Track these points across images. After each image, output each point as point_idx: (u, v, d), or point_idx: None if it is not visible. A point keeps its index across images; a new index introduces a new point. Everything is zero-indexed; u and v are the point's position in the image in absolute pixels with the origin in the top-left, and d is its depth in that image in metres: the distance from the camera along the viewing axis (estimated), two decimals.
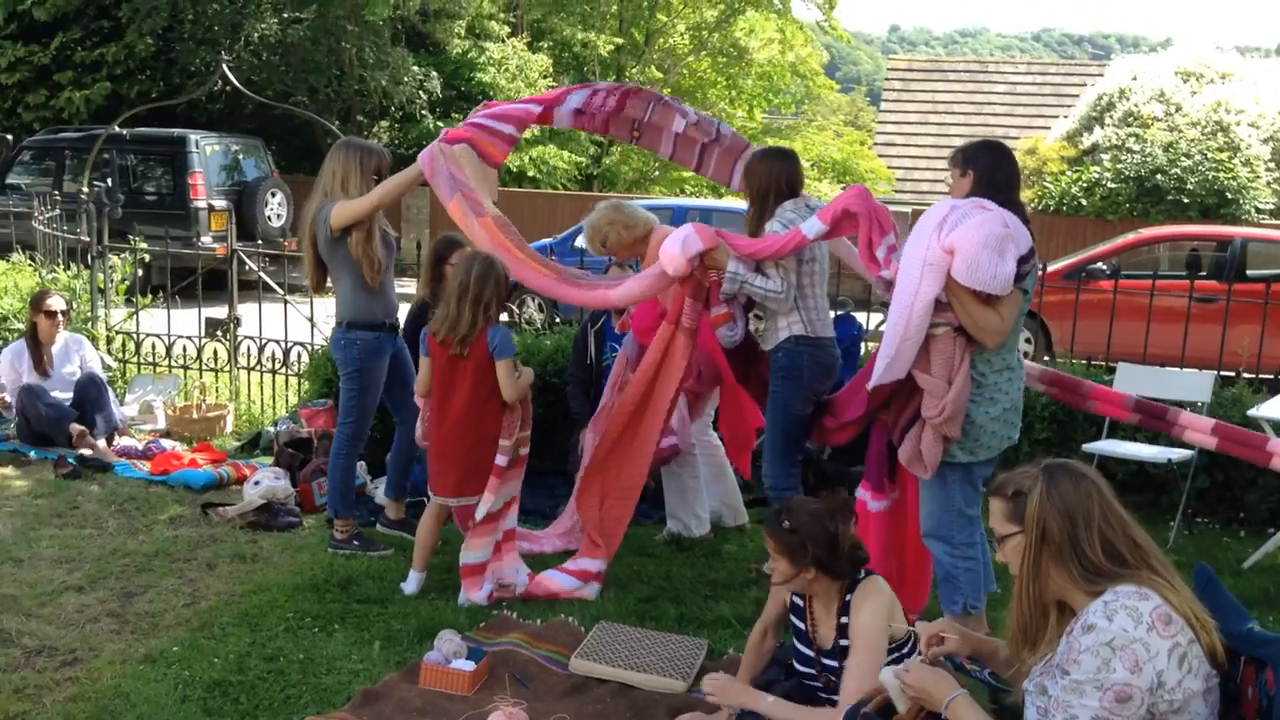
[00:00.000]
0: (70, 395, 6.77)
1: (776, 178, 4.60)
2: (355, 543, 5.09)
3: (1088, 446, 5.94)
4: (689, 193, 23.26)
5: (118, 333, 7.97)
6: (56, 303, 6.86)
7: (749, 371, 4.92)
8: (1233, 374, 6.71)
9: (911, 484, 4.31)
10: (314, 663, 3.88)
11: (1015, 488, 2.56)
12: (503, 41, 21.37)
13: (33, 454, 6.54)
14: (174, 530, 5.31)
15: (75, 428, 6.51)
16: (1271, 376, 7.16)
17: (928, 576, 4.41)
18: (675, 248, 4.39)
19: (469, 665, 3.77)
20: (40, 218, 9.19)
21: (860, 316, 6.33)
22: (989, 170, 3.94)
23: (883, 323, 6.86)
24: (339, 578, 4.67)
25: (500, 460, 4.45)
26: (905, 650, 3.15)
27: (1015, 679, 2.56)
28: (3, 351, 6.92)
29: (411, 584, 4.61)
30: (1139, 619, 2.21)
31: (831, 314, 4.85)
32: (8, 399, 6.88)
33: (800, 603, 3.34)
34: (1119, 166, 16.02)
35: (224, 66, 7.43)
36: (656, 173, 24.42)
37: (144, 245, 9.03)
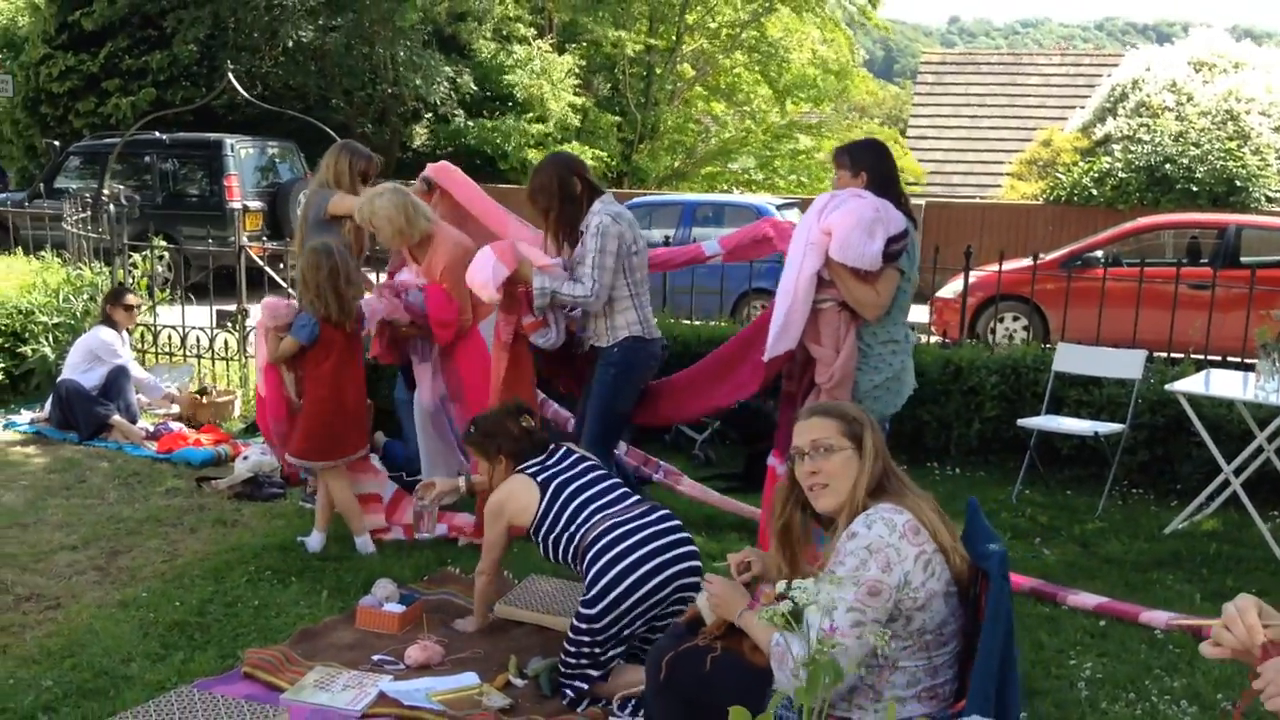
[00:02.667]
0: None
1: (559, 187, 4.80)
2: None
3: (1023, 421, 6.27)
4: (722, 189, 23.62)
5: (137, 325, 8.54)
6: (134, 298, 7.62)
7: (561, 369, 5.27)
8: (1181, 355, 7.00)
9: None
10: (266, 608, 4.36)
11: (850, 414, 2.87)
12: (528, 44, 21.87)
13: (59, 436, 7.09)
14: (167, 500, 5.82)
15: (117, 420, 7.07)
16: (1220, 358, 7.39)
17: None
18: (485, 277, 4.75)
19: (399, 608, 4.23)
20: (70, 218, 9.81)
21: None
22: (876, 167, 4.40)
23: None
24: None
25: None
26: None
27: None
28: (97, 339, 7.35)
29: (315, 542, 5.06)
30: (893, 528, 2.60)
31: None
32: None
33: None
34: (1129, 156, 16.15)
35: (230, 75, 7.95)
36: (688, 169, 24.79)
37: (161, 244, 9.59)
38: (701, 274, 8.10)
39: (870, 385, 4.34)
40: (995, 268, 7.99)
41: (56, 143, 16.83)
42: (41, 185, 15.74)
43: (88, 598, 4.45)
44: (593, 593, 3.58)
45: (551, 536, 3.84)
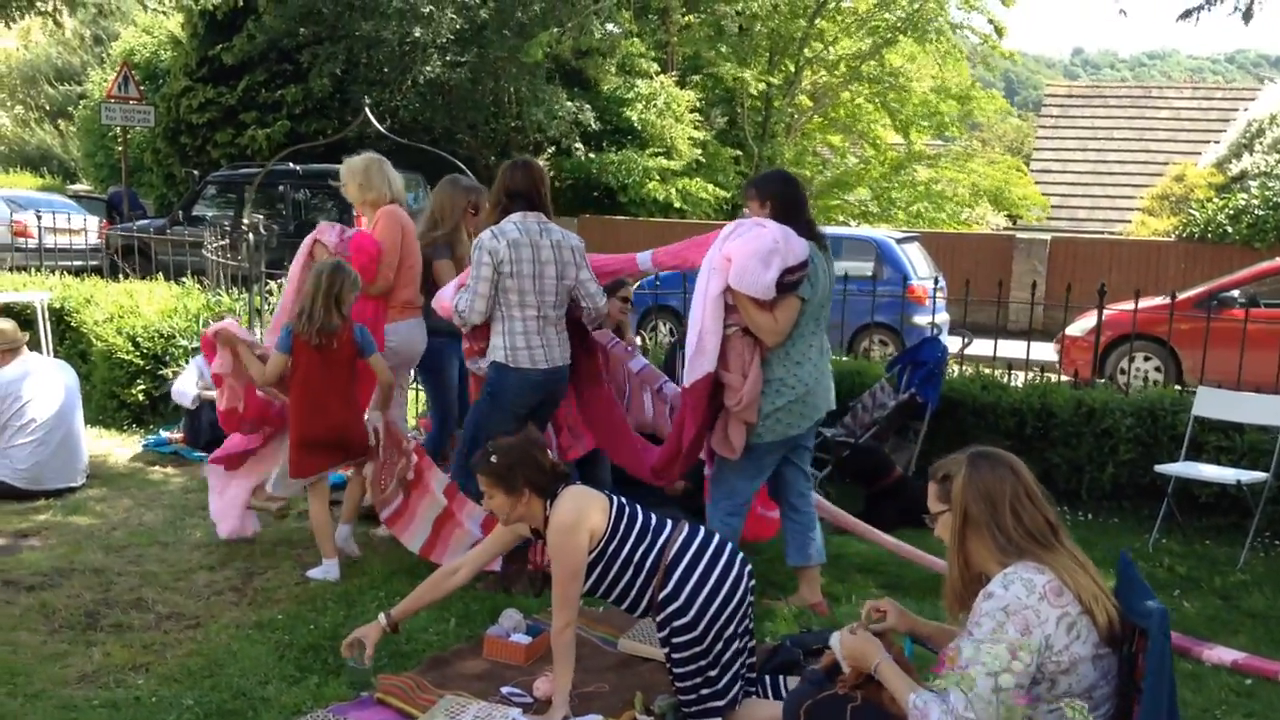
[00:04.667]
0: None
1: (494, 194, 4.99)
2: None
3: (1161, 467, 6.06)
4: (837, 222, 23.46)
5: None
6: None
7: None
8: None
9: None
10: (396, 634, 4.41)
11: (944, 472, 2.88)
12: (650, 78, 22.07)
13: (194, 456, 7.35)
14: (299, 523, 5.97)
15: None
16: None
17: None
18: (448, 302, 4.98)
19: (526, 639, 4.26)
20: (210, 246, 10.19)
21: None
22: (780, 195, 4.64)
23: (966, 345, 7.11)
24: (431, 566, 5.21)
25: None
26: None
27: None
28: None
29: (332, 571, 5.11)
30: (1032, 589, 2.53)
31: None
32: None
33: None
34: (1267, 193, 15.57)
35: (366, 110, 8.19)
36: None
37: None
38: None
39: (772, 408, 4.58)
40: (1125, 306, 7.77)
41: (195, 172, 17.54)
42: (180, 213, 16.42)
43: (225, 618, 4.58)
44: (681, 599, 3.52)
45: (622, 554, 3.63)
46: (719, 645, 3.54)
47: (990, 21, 23.55)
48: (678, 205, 21.04)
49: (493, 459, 3.69)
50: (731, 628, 3.57)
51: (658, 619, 3.59)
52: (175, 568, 5.19)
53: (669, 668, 3.61)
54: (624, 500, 3.74)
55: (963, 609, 2.77)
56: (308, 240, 5.67)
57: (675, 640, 3.55)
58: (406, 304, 5.74)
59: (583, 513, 3.61)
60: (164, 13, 22.64)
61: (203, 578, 5.08)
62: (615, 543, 3.62)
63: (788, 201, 4.62)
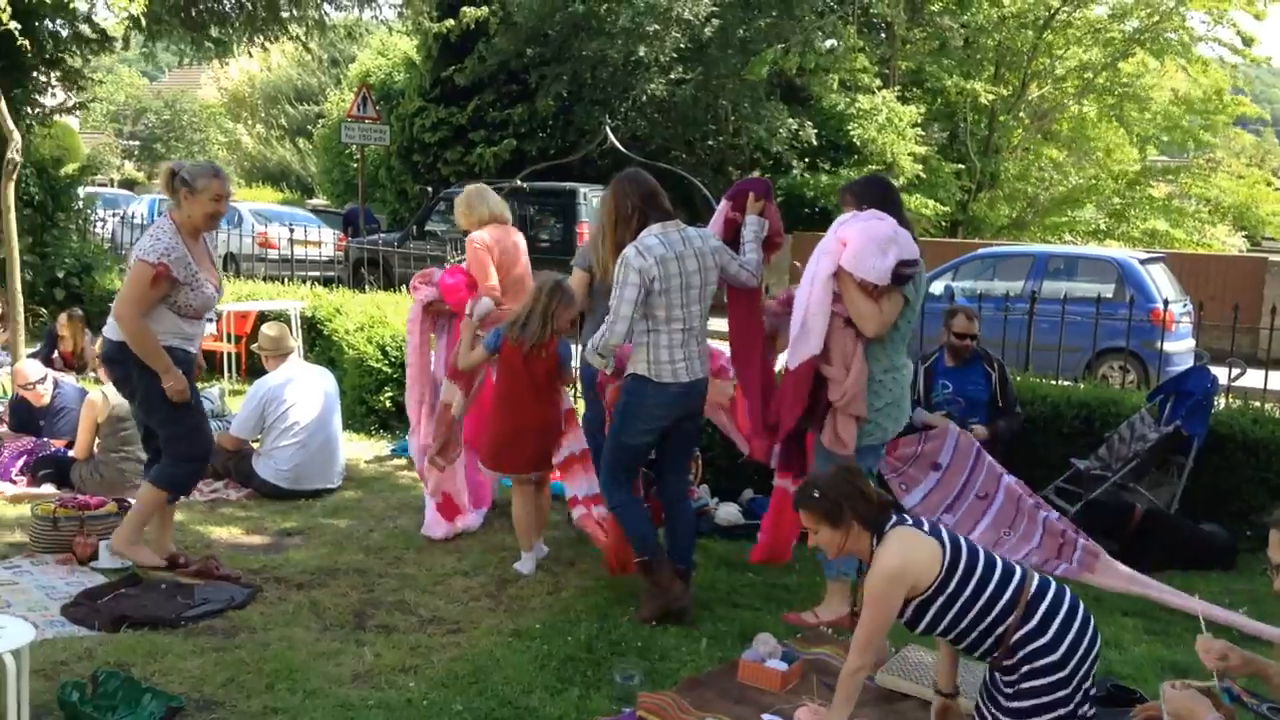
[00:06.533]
0: None
1: (613, 208, 4.84)
2: None
3: None
4: (1065, 240, 22.55)
5: None
6: None
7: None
8: None
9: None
10: (649, 651, 4.44)
11: None
12: (873, 93, 21.74)
13: None
14: (546, 531, 6.08)
15: None
16: None
17: None
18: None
19: (782, 665, 4.19)
20: (451, 260, 10.57)
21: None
22: (881, 201, 4.63)
23: (1238, 376, 6.62)
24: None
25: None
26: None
27: None
28: None
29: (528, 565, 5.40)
30: None
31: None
32: None
33: None
34: None
35: (607, 129, 8.34)
36: (1028, 218, 23.83)
37: None
38: (1044, 329, 7.76)
39: (871, 410, 4.60)
40: None
41: (429, 188, 18.29)
42: (414, 227, 17.16)
43: (484, 624, 4.69)
44: (1048, 635, 3.36)
45: (964, 594, 3.44)
46: (1078, 681, 3.37)
47: (1238, 34, 22.18)
48: None
49: (816, 495, 3.59)
50: (1085, 667, 3.40)
51: (1010, 661, 3.43)
52: (432, 571, 5.36)
53: (1008, 713, 3.43)
54: (959, 539, 3.58)
55: None
56: (416, 306, 6.20)
57: (1035, 682, 3.38)
58: None
59: (909, 560, 3.45)
60: (406, 33, 23.72)
61: (459, 583, 5.23)
62: (955, 584, 3.45)
63: (885, 206, 4.61)
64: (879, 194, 4.70)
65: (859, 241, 4.39)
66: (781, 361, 5.05)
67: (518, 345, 5.25)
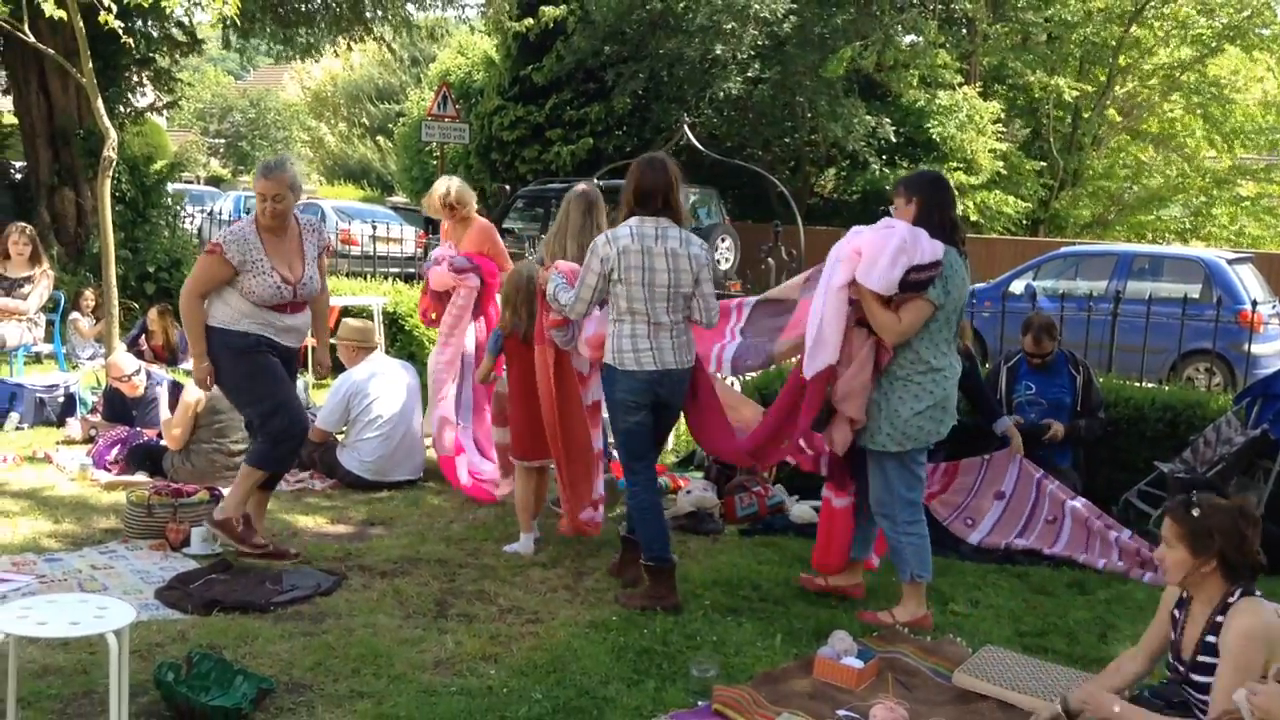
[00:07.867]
0: None
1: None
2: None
3: None
4: (1148, 239, 22.11)
5: None
6: None
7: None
8: None
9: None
10: (724, 645, 4.48)
11: None
12: (954, 89, 21.48)
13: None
14: (617, 524, 6.15)
15: None
16: None
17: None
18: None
19: (858, 663, 4.19)
20: (529, 257, 10.69)
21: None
22: (928, 196, 4.65)
23: None
24: (749, 580, 5.28)
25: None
26: None
27: None
28: None
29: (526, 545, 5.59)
30: None
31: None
32: None
33: (1177, 612, 3.45)
34: None
35: (684, 127, 8.37)
36: (1112, 216, 23.38)
37: None
38: (1128, 330, 7.63)
39: (912, 413, 4.57)
40: None
41: (507, 186, 18.49)
42: None
43: (562, 615, 4.77)
44: None
45: None
46: None
47: None
48: (973, 219, 20.36)
49: (1194, 511, 3.30)
50: None
51: None
52: (510, 563, 5.45)
53: None
54: None
55: None
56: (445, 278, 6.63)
57: None
58: None
59: (1264, 636, 3.13)
60: (486, 32, 24.00)
61: (537, 574, 5.31)
62: None
63: (933, 202, 4.65)
64: (925, 186, 4.72)
65: (868, 254, 4.46)
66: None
67: (513, 334, 5.48)
